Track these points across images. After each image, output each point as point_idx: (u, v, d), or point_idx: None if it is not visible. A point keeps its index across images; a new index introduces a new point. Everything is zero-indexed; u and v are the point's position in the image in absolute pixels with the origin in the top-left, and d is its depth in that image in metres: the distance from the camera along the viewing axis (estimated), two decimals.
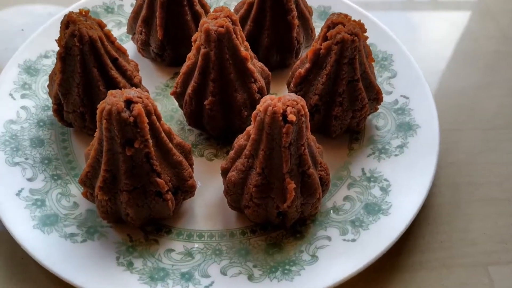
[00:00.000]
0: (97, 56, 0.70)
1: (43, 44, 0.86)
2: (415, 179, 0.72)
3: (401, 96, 0.83)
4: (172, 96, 0.77)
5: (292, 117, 0.58)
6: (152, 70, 0.88)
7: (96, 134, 0.62)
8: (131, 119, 0.59)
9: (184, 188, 0.67)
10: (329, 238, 0.67)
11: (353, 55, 0.70)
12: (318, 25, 0.93)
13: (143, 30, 0.82)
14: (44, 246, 0.64)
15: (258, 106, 0.61)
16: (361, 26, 0.71)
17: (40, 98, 0.80)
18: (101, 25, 0.72)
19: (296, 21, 0.81)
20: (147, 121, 0.59)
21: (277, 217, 0.66)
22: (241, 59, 0.71)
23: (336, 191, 0.73)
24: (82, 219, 0.68)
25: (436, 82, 0.92)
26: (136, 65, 0.79)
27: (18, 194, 0.69)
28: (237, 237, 0.68)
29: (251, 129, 0.64)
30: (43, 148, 0.75)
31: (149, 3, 0.81)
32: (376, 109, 0.78)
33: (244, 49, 0.72)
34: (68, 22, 0.68)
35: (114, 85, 0.72)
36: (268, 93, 0.79)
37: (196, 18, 0.82)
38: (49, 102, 0.78)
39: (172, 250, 0.66)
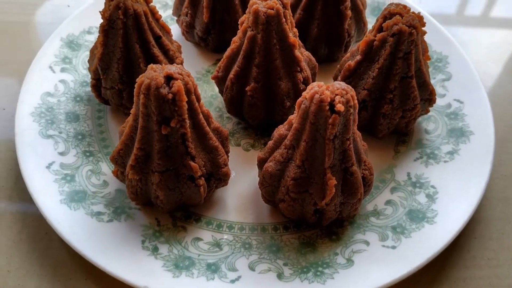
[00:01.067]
0: (140, 32, 0.67)
1: (87, 19, 0.85)
2: (465, 189, 0.66)
3: (455, 100, 0.77)
4: (213, 82, 0.74)
5: (340, 107, 0.54)
6: (195, 54, 0.85)
7: (132, 110, 0.60)
8: (170, 96, 0.56)
9: (217, 176, 0.64)
10: (367, 243, 0.63)
11: (409, 49, 0.65)
12: (370, 21, 0.89)
13: (189, 11, 0.80)
14: (69, 222, 0.61)
15: (304, 93, 0.57)
16: (420, 19, 0.66)
17: (80, 73, 0.79)
18: (147, 1, 0.69)
19: (349, 12, 0.77)
20: (186, 99, 0.56)
21: (313, 215, 0.62)
22: (288, 45, 0.67)
23: (378, 194, 0.68)
24: (110, 198, 0.66)
25: (493, 87, 0.86)
26: (179, 46, 0.76)
27: (48, 167, 0.67)
28: (269, 232, 0.64)
29: (293, 118, 0.60)
30: (78, 124, 0.73)
31: None
32: (427, 111, 0.73)
33: (293, 36, 0.69)
34: None
35: (155, 63, 0.69)
36: (313, 81, 0.75)
37: (244, 3, 0.79)
38: (88, 78, 0.76)
39: (199, 239, 0.63)
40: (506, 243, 0.67)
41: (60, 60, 0.79)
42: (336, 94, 0.55)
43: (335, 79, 0.74)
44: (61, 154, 0.69)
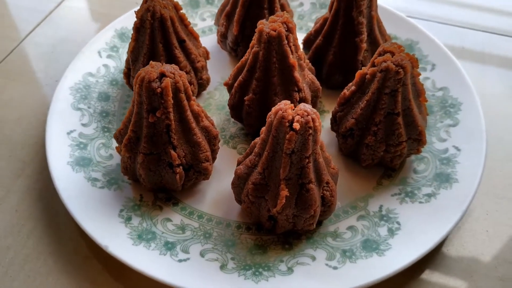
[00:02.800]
0: (164, 33, 0.77)
1: None
2: (427, 232, 0.67)
3: (453, 146, 0.77)
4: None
5: (296, 125, 0.59)
6: (226, 61, 0.94)
7: (133, 97, 0.69)
8: (159, 90, 0.65)
9: (197, 168, 0.71)
10: (313, 258, 0.66)
11: (395, 87, 0.68)
12: None
13: (224, 23, 0.89)
14: (66, 180, 0.72)
15: (273, 108, 0.63)
16: (413, 61, 0.68)
17: (122, 61, 0.91)
18: (177, 8, 0.79)
19: (364, 45, 0.80)
20: (171, 95, 0.65)
21: (268, 220, 0.67)
22: (288, 65, 0.73)
23: (344, 218, 0.71)
24: (110, 169, 0.76)
25: (503, 144, 0.83)
26: (205, 52, 0.85)
27: (69, 133, 0.79)
28: (231, 229, 0.70)
29: (263, 129, 0.66)
30: (107, 103, 0.85)
31: (234, 0, 0.87)
32: (419, 151, 0.75)
33: (296, 58, 0.74)
34: None
35: (175, 63, 0.79)
36: (315, 106, 0.80)
37: None
38: None
39: (169, 220, 0.71)
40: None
41: (109, 48, 0.92)
42: (298, 114, 0.60)
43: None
44: (84, 125, 0.81)
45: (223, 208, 0.73)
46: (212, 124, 0.75)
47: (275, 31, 0.71)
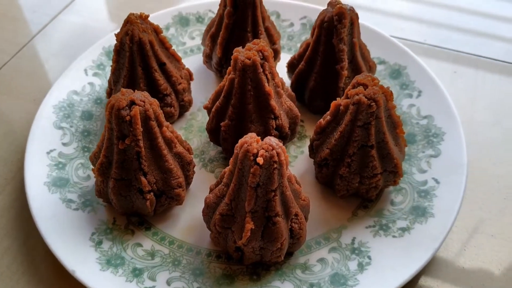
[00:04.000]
0: (143, 57, 0.77)
1: None
2: (397, 269, 0.66)
3: (433, 178, 0.76)
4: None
5: (260, 160, 0.59)
6: (211, 82, 0.93)
7: (105, 123, 0.70)
8: (128, 117, 0.65)
9: (169, 194, 0.71)
10: None
11: (368, 120, 0.67)
12: (386, 83, 0.91)
13: (209, 44, 0.88)
14: (41, 201, 0.73)
15: (239, 140, 0.63)
16: (387, 94, 0.67)
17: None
18: (157, 31, 0.79)
19: (345, 72, 0.79)
20: (140, 124, 0.65)
21: (235, 251, 0.67)
22: (264, 93, 0.72)
23: (316, 250, 0.71)
24: (86, 191, 0.76)
25: (487, 176, 0.81)
26: (187, 74, 0.85)
27: (48, 153, 0.80)
28: (201, 256, 0.70)
29: (231, 159, 0.65)
30: (89, 122, 0.85)
31: (218, 21, 0.86)
32: (396, 182, 0.73)
33: (272, 85, 0.74)
34: (127, 22, 0.77)
35: (155, 86, 0.80)
36: (293, 133, 0.79)
37: None
38: None
39: (140, 245, 0.71)
40: None
41: (95, 65, 0.93)
42: (262, 148, 0.60)
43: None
44: (64, 144, 0.82)
45: (195, 234, 0.73)
46: (189, 150, 0.75)
47: (249, 59, 0.70)
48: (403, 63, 0.91)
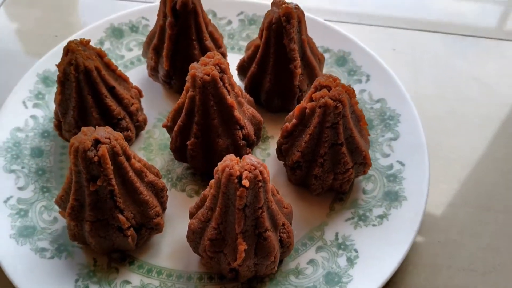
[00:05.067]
0: (92, 85, 0.73)
1: None
2: (384, 257, 0.69)
3: (397, 161, 0.79)
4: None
5: (246, 182, 0.59)
6: (161, 94, 0.90)
7: (70, 166, 0.66)
8: (96, 158, 0.61)
9: (149, 226, 0.69)
10: None
11: (336, 120, 0.68)
12: (333, 70, 0.92)
13: (153, 57, 0.85)
14: (12, 256, 0.68)
15: (219, 164, 0.62)
16: (349, 92, 0.69)
17: (51, 109, 0.86)
18: (101, 54, 0.75)
19: (299, 70, 0.80)
20: (110, 162, 0.62)
21: (229, 272, 0.66)
22: (227, 106, 0.71)
23: (304, 252, 0.72)
24: (57, 235, 0.72)
25: (442, 146, 0.86)
26: (137, 93, 0.82)
27: (6, 201, 0.74)
28: (193, 281, 0.69)
29: (212, 182, 0.64)
30: (41, 159, 0.80)
31: (160, 32, 0.83)
32: (365, 172, 0.76)
33: (233, 96, 0.73)
34: (68, 50, 0.72)
35: (108, 112, 0.76)
36: (258, 139, 0.79)
37: (205, 52, 0.83)
38: None
39: (128, 282, 0.69)
40: None
41: (33, 95, 0.86)
42: (245, 169, 0.59)
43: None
44: (20, 189, 0.76)
45: (181, 259, 0.72)
46: (157, 174, 0.73)
47: (208, 75, 0.69)
48: (347, 49, 0.93)
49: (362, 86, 0.89)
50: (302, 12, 0.78)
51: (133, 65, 0.94)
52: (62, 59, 0.72)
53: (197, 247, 0.68)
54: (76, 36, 0.93)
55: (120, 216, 0.65)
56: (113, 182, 0.63)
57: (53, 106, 0.86)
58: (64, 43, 0.91)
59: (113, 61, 0.91)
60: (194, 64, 0.70)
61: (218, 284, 0.69)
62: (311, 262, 0.71)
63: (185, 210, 0.76)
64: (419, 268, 0.73)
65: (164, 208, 0.73)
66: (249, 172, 0.59)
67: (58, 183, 0.78)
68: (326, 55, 0.93)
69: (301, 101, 0.83)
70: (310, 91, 0.71)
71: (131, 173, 0.66)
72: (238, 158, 0.61)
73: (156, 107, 0.88)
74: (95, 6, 1.08)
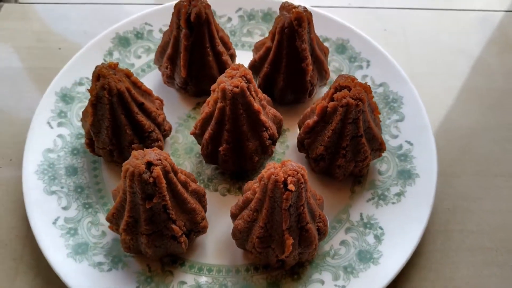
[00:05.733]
0: (124, 105, 0.77)
1: (77, 70, 0.94)
2: (407, 231, 0.78)
3: (406, 141, 0.87)
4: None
5: (292, 187, 0.66)
6: (176, 99, 0.94)
7: (121, 186, 0.71)
8: (151, 180, 0.67)
9: (196, 229, 0.76)
10: (322, 282, 0.75)
11: (357, 116, 0.75)
12: (335, 59, 0.98)
13: (169, 66, 0.89)
14: (75, 275, 0.74)
15: (263, 171, 0.68)
16: (367, 89, 0.76)
17: (75, 126, 0.89)
18: (129, 75, 0.79)
19: (310, 67, 0.85)
20: (164, 182, 0.68)
21: (276, 263, 0.74)
22: (254, 112, 0.77)
23: (335, 234, 0.80)
24: (108, 248, 0.78)
25: (442, 120, 0.95)
26: (160, 103, 0.86)
27: (54, 223, 0.79)
28: (242, 274, 0.77)
29: (256, 187, 0.71)
30: (77, 177, 0.84)
31: (174, 43, 0.86)
32: (380, 155, 0.84)
33: (258, 102, 0.78)
34: (98, 75, 0.75)
35: (140, 127, 0.80)
36: (279, 135, 0.85)
37: (218, 57, 0.88)
38: (82, 130, 0.87)
39: (184, 283, 0.76)
40: (443, 274, 0.80)
41: (56, 115, 0.89)
42: (289, 175, 0.66)
43: (300, 126, 0.85)
44: (64, 208, 0.81)
45: (226, 255, 0.79)
46: (194, 180, 0.79)
47: (237, 87, 0.74)
48: (345, 37, 0.99)
49: (364, 72, 0.96)
50: (310, 13, 0.83)
51: (144, 73, 0.97)
52: (93, 83, 0.76)
53: (243, 244, 0.75)
54: (85, 50, 0.95)
55: (174, 226, 0.72)
56: (167, 198, 0.69)
57: (76, 123, 0.89)
58: (68, 54, 0.96)
59: None
60: (222, 77, 0.75)
61: (265, 273, 0.77)
62: (343, 243, 0.79)
63: (221, 208, 0.83)
64: (435, 234, 0.83)
65: (205, 210, 0.79)
66: (293, 177, 0.66)
67: (97, 197, 0.83)
68: (326, 44, 0.99)
69: (311, 94, 0.90)
70: (329, 91, 0.77)
71: (179, 186, 0.72)
72: (280, 164, 0.68)
73: (174, 112, 0.92)
74: (90, 14, 1.09)
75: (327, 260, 0.78)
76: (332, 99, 0.76)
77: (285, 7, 0.83)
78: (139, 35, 1.00)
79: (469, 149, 0.92)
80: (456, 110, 0.97)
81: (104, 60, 0.96)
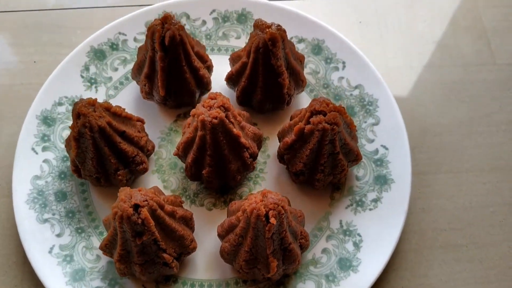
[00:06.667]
0: (107, 139, 0.79)
1: (55, 90, 0.93)
2: (384, 237, 0.83)
3: (382, 146, 0.91)
4: (176, 141, 0.91)
5: (273, 220, 0.70)
6: (157, 111, 0.95)
7: (111, 223, 0.74)
8: (139, 221, 0.70)
9: (186, 252, 0.80)
10: None
11: (333, 138, 0.78)
12: (311, 60, 0.99)
13: (147, 84, 0.89)
14: None
15: (245, 204, 0.72)
16: (342, 112, 0.78)
17: (59, 148, 0.91)
18: (108, 107, 0.80)
19: (287, 81, 0.87)
20: (152, 221, 0.71)
21: (263, 279, 0.80)
22: (234, 136, 0.79)
23: (316, 243, 0.85)
24: (104, 271, 0.83)
25: (417, 118, 0.98)
26: (141, 124, 0.88)
27: (50, 252, 0.83)
28: (231, 287, 0.83)
29: (240, 215, 0.75)
30: (67, 201, 0.87)
31: (150, 63, 0.87)
32: (357, 163, 0.87)
33: (238, 125, 0.81)
34: (78, 114, 0.76)
35: (124, 155, 0.82)
36: (259, 148, 0.88)
37: (195, 73, 0.89)
38: (67, 153, 0.89)
39: None
40: (418, 272, 0.86)
41: (39, 139, 0.90)
42: (270, 209, 0.70)
43: (279, 137, 0.88)
44: (58, 236, 0.84)
45: (216, 270, 0.84)
46: (180, 203, 0.82)
47: (216, 118, 0.76)
48: (320, 37, 0.99)
49: (339, 74, 0.97)
50: (284, 31, 0.83)
51: (122, 85, 0.97)
52: (74, 121, 0.77)
53: (231, 262, 0.80)
54: (60, 67, 0.95)
55: (165, 255, 0.76)
56: (156, 233, 0.73)
57: (60, 145, 0.91)
58: (47, 82, 0.94)
59: (103, 85, 0.96)
60: (200, 108, 0.77)
61: (253, 285, 0.83)
62: (324, 251, 0.85)
63: (208, 223, 0.87)
64: (409, 234, 0.89)
65: (193, 231, 0.83)
66: (274, 210, 0.70)
67: (89, 221, 0.86)
68: (301, 45, 0.99)
69: (289, 103, 0.91)
70: (305, 113, 0.80)
71: (167, 219, 0.75)
72: (261, 196, 0.71)
73: (156, 126, 0.94)
74: (61, 22, 1.07)
75: (310, 269, 0.83)
76: (308, 122, 0.79)
77: (258, 26, 0.83)
78: (114, 46, 0.99)
79: (443, 146, 0.96)
80: (431, 105, 0.99)
81: (82, 76, 0.96)
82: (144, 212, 0.70)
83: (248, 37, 0.98)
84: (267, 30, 0.81)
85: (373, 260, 0.82)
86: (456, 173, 0.94)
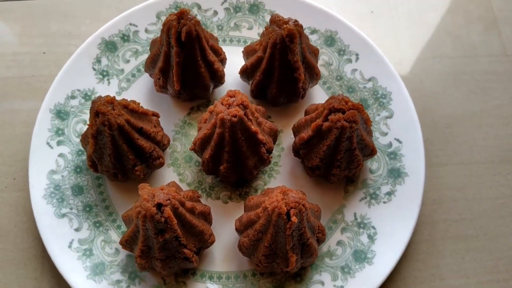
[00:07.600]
0: (125, 136, 0.79)
1: (67, 84, 0.93)
2: (397, 230, 0.85)
3: (395, 139, 0.92)
4: (191, 135, 0.92)
5: (294, 218, 0.71)
6: (170, 104, 0.95)
7: (133, 220, 0.75)
8: (163, 219, 0.71)
9: (205, 246, 0.82)
10: (322, 283, 0.83)
11: (351, 135, 0.79)
12: (324, 52, 0.98)
13: (161, 78, 0.89)
14: None
15: (266, 202, 0.73)
16: (360, 109, 0.78)
17: (74, 142, 0.91)
18: (126, 104, 0.80)
19: (303, 76, 0.87)
20: (175, 220, 0.72)
21: (281, 272, 0.82)
22: (252, 133, 0.80)
23: (331, 235, 0.87)
24: (124, 265, 0.84)
25: (429, 109, 0.99)
26: (157, 119, 0.88)
27: (70, 246, 0.84)
28: (249, 279, 0.84)
29: (260, 212, 0.76)
30: (83, 196, 0.88)
31: (165, 57, 0.86)
32: (372, 157, 0.88)
33: (255, 121, 0.81)
34: (97, 112, 0.76)
35: (141, 151, 0.82)
36: (274, 142, 0.88)
37: (210, 67, 0.88)
38: (82, 146, 0.89)
39: None
40: (430, 262, 0.88)
41: (54, 133, 0.90)
42: (291, 207, 0.71)
43: (294, 131, 0.88)
44: (77, 230, 0.85)
45: (233, 261, 0.86)
46: (198, 197, 0.83)
47: (235, 117, 0.76)
48: (333, 28, 0.99)
49: (353, 66, 0.97)
50: (301, 26, 0.83)
51: (134, 78, 0.97)
52: (93, 119, 0.77)
53: (249, 256, 0.82)
54: (72, 60, 0.94)
55: (186, 250, 0.77)
56: (178, 231, 0.74)
57: (74, 139, 0.91)
58: (59, 76, 0.93)
59: (115, 77, 0.95)
60: (219, 106, 0.77)
61: (270, 276, 0.85)
62: (339, 243, 0.87)
63: (224, 216, 0.88)
64: (421, 226, 0.91)
65: (211, 224, 0.84)
66: (295, 208, 0.71)
67: (106, 214, 0.87)
68: (314, 37, 0.99)
69: (303, 96, 0.92)
70: (323, 110, 0.80)
71: (188, 215, 0.76)
72: (281, 195, 0.72)
73: (170, 119, 0.94)
74: (69, 12, 1.05)
75: (325, 261, 0.85)
76: (326, 119, 0.79)
77: (275, 21, 0.82)
78: (125, 38, 0.98)
79: (454, 137, 0.97)
80: (442, 97, 1.00)
81: (93, 68, 0.95)
82: (168, 211, 0.71)
83: (260, 28, 0.99)
84: (285, 26, 0.81)
85: (387, 252, 0.84)
86: (467, 165, 0.95)
